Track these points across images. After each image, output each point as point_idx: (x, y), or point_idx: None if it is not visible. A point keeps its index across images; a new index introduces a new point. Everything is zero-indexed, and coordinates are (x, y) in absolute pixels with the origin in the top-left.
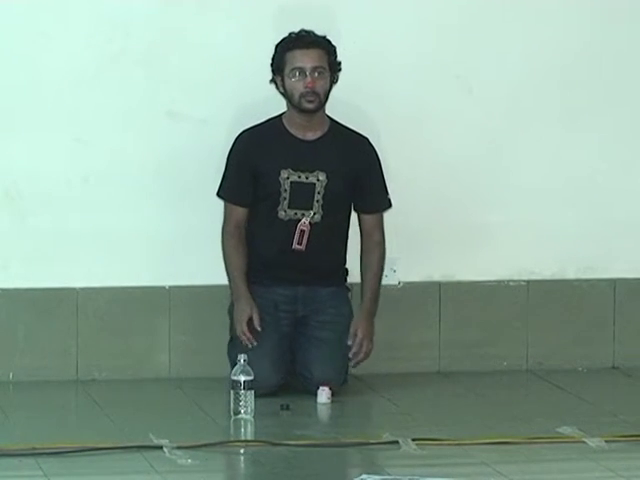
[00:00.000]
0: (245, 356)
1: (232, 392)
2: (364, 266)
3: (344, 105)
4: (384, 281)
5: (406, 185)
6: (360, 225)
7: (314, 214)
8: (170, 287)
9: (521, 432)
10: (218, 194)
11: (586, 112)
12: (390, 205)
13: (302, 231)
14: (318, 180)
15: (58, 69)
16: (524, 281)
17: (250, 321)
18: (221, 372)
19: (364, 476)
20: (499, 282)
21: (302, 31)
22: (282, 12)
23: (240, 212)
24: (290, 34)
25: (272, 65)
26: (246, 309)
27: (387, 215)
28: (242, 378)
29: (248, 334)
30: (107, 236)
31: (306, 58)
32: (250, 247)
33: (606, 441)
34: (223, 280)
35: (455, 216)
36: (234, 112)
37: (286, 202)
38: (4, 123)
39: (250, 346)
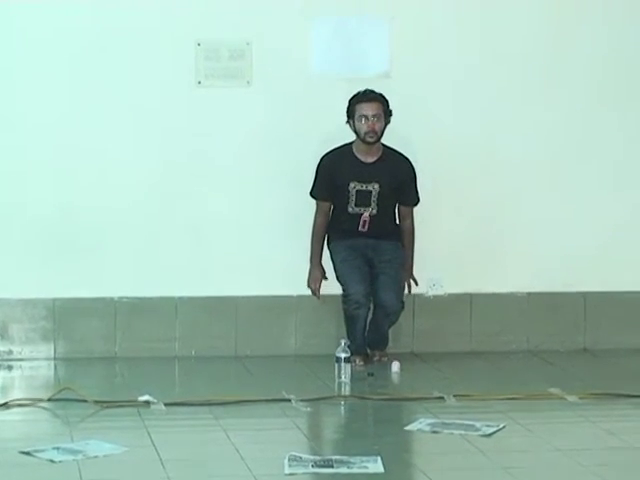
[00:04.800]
0: (347, 340)
1: (336, 364)
2: (403, 237)
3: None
4: (435, 292)
5: (448, 230)
6: (399, 213)
7: (371, 209)
8: (297, 295)
9: (524, 391)
10: (311, 194)
11: (571, 186)
12: (419, 200)
13: (364, 221)
14: (374, 188)
15: (226, 157)
16: (526, 293)
17: (320, 283)
18: (329, 351)
19: (421, 419)
20: (510, 293)
21: (367, 90)
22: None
23: (325, 205)
24: (358, 91)
25: (347, 112)
26: (319, 276)
27: (440, 252)
28: (342, 355)
29: (318, 292)
30: (260, 261)
31: (368, 108)
32: (334, 227)
33: (579, 398)
34: (332, 291)
35: (479, 250)
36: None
37: (353, 202)
38: (203, 180)
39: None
